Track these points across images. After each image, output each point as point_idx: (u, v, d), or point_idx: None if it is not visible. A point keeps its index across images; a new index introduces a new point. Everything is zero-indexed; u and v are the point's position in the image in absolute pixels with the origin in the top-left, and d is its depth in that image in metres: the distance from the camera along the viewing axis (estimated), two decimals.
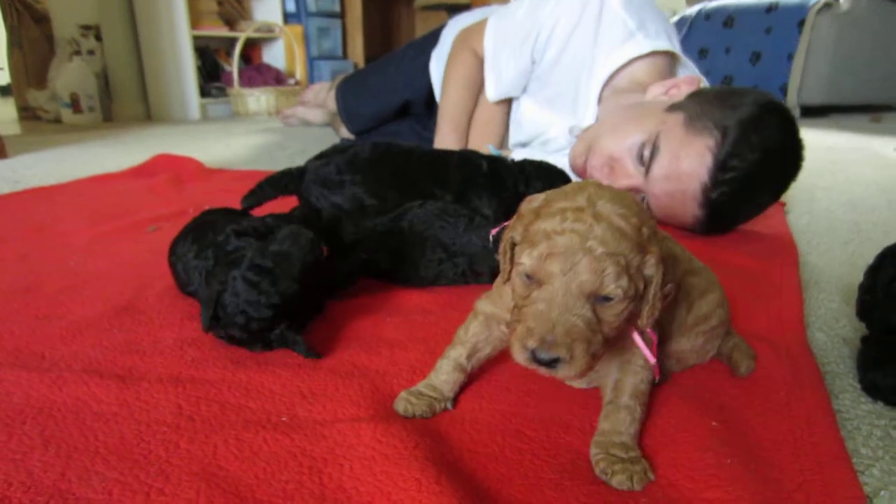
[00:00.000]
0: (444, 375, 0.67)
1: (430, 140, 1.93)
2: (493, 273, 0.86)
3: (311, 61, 5.01)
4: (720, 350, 0.76)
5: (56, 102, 3.90)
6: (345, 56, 5.33)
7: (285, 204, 1.21)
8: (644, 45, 1.52)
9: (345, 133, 2.60)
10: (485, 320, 0.67)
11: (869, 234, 1.38)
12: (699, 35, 4.25)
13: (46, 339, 0.83)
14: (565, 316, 0.50)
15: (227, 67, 4.53)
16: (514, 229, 0.56)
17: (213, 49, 4.64)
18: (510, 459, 0.59)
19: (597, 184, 0.55)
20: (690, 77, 1.37)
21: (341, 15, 5.27)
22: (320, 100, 3.15)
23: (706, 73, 4.16)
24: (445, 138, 1.86)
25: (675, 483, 0.55)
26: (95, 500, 0.52)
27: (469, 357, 0.68)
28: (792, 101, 3.82)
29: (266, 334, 0.77)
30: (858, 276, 1.07)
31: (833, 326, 0.91)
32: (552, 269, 0.50)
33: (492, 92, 1.78)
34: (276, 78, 4.60)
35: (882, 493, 0.56)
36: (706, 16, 4.23)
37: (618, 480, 0.54)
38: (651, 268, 0.52)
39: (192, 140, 3.02)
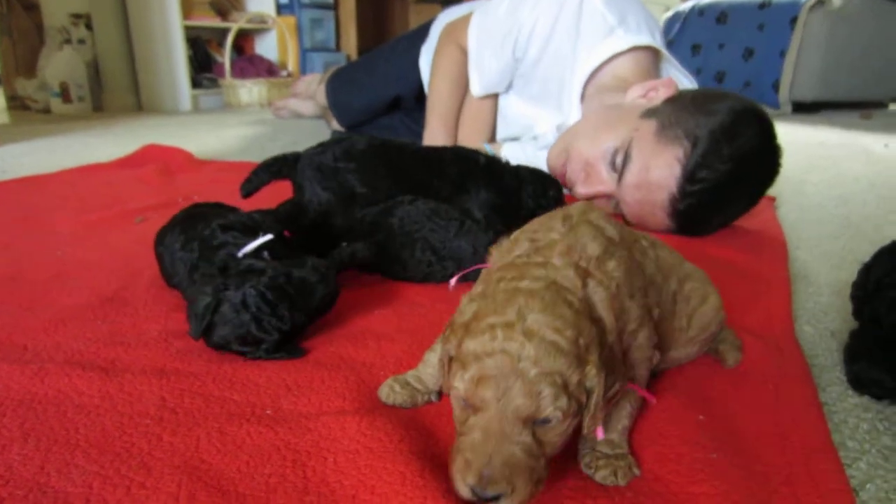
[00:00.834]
0: (430, 368, 0.67)
1: (421, 134, 1.92)
2: None
3: (303, 53, 4.98)
4: None
5: (45, 92, 3.86)
6: (338, 48, 5.30)
7: (281, 192, 1.20)
8: (625, 40, 1.51)
9: (336, 126, 2.59)
10: None
11: (858, 229, 1.38)
12: (692, 31, 4.26)
13: (29, 331, 0.82)
14: (503, 446, 0.46)
15: (218, 58, 4.49)
16: (448, 342, 0.52)
17: (205, 40, 4.60)
18: None
19: (528, 291, 0.50)
20: (669, 80, 1.35)
21: (335, 6, 5.23)
22: (311, 91, 3.13)
23: (699, 70, 4.18)
24: (434, 133, 1.85)
25: (661, 477, 0.55)
26: (75, 493, 0.52)
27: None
28: (784, 98, 3.83)
29: (258, 347, 0.76)
30: (848, 271, 1.09)
31: (821, 320, 0.91)
32: (485, 394, 0.47)
33: (476, 88, 1.78)
34: (268, 69, 4.56)
35: (868, 486, 0.56)
36: (699, 12, 4.23)
37: (601, 475, 0.54)
38: (592, 379, 0.48)
39: (184, 131, 2.99)
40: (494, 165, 1.23)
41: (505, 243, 0.62)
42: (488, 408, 0.47)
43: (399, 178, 1.15)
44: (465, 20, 1.77)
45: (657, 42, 1.57)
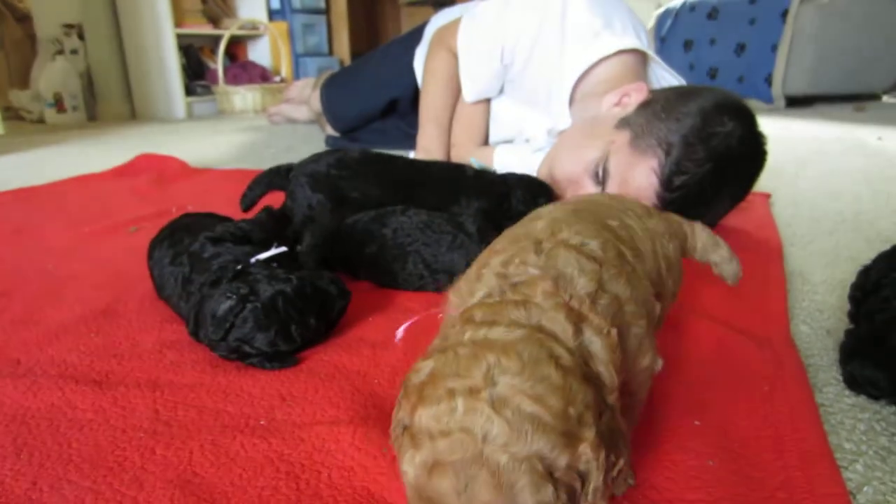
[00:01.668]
0: None
1: (415, 138, 1.91)
2: None
3: (296, 58, 4.98)
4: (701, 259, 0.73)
5: (39, 102, 3.86)
6: (330, 52, 5.30)
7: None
8: (610, 44, 1.50)
9: (330, 131, 2.58)
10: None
11: (853, 224, 1.38)
12: (684, 27, 4.26)
13: (22, 345, 0.82)
14: None
15: (211, 65, 4.50)
16: (401, 408, 0.42)
17: (198, 47, 4.60)
18: None
19: (503, 346, 0.40)
20: (639, 84, 1.33)
21: (326, 11, 5.24)
22: (305, 97, 3.13)
23: (691, 66, 4.17)
24: (428, 136, 1.84)
25: (656, 485, 0.54)
26: None
27: None
28: (777, 92, 3.84)
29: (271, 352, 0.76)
30: (842, 268, 1.08)
31: (817, 319, 0.91)
32: (441, 488, 0.36)
33: (467, 94, 1.78)
34: (261, 75, 4.57)
35: (865, 488, 0.55)
36: (691, 7, 4.24)
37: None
38: (587, 462, 0.37)
39: (178, 139, 2.99)
40: (483, 175, 1.24)
41: (462, 283, 0.51)
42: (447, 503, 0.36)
43: (390, 187, 1.16)
44: (454, 24, 1.77)
45: (643, 44, 1.57)
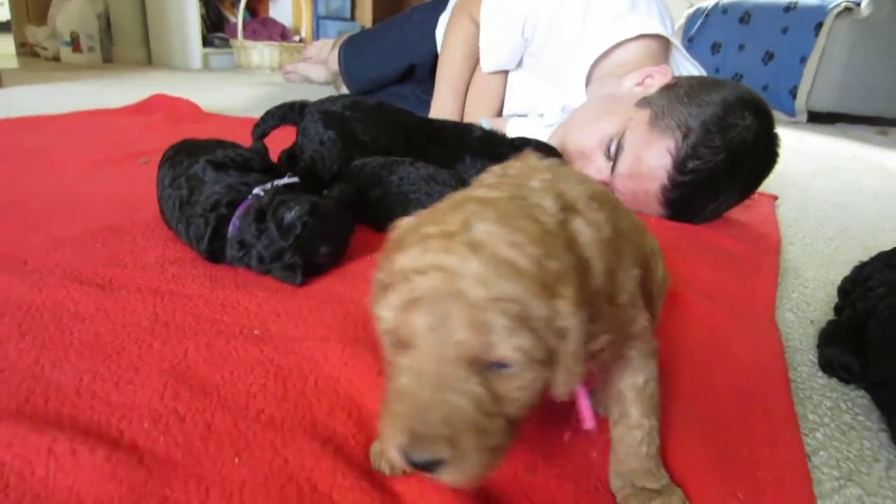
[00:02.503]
0: None
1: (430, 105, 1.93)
2: None
3: (317, 20, 4.95)
4: None
5: (56, 40, 3.85)
6: (352, 17, 5.27)
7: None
8: (633, 27, 1.51)
9: (346, 92, 2.59)
10: None
11: (854, 234, 1.40)
12: (714, 29, 4.19)
13: (30, 248, 0.84)
14: (442, 395, 0.35)
15: (231, 19, 4.48)
16: (380, 266, 0.41)
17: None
18: None
19: (483, 200, 0.39)
20: (664, 67, 1.35)
21: None
22: (323, 57, 3.12)
23: (717, 70, 4.12)
24: (443, 102, 1.86)
25: None
26: (66, 384, 0.54)
27: None
28: (800, 105, 3.77)
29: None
30: (836, 270, 1.10)
31: (804, 309, 0.93)
32: (415, 325, 0.36)
33: (486, 65, 1.79)
34: (281, 33, 4.55)
35: (821, 452, 0.59)
36: (723, 10, 4.16)
37: None
38: (567, 317, 0.36)
39: (193, 87, 2.99)
40: (491, 136, 1.25)
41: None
42: (421, 342, 0.36)
43: (399, 138, 1.18)
44: None
45: (667, 31, 1.58)
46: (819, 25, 3.65)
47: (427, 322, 0.35)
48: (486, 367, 0.35)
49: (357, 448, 0.50)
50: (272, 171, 0.93)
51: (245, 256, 0.79)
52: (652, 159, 1.19)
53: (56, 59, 3.86)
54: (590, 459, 0.52)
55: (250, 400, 0.54)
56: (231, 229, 0.80)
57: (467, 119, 1.84)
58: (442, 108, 1.85)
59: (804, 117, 3.80)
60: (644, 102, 1.26)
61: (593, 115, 1.36)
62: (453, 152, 1.21)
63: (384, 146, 1.12)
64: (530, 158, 0.48)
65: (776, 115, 3.82)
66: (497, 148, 1.22)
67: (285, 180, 0.87)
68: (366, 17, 5.28)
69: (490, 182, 0.44)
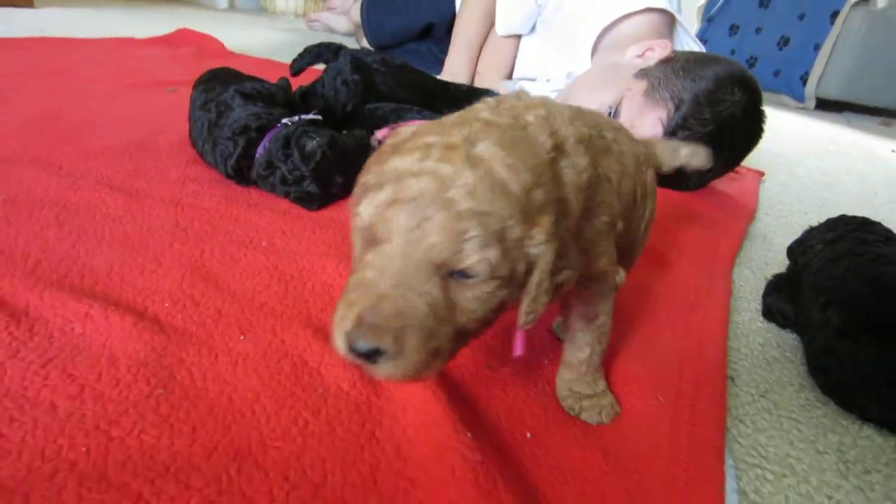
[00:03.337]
0: None
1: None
2: None
3: None
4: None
5: None
6: None
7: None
8: (640, 0, 1.57)
9: (366, 45, 2.64)
10: None
11: (830, 210, 1.45)
12: (733, 11, 4.20)
13: (64, 156, 0.93)
14: (400, 290, 0.36)
15: None
16: (368, 171, 0.41)
17: None
18: None
19: (488, 121, 0.41)
20: (664, 41, 1.41)
21: None
22: (346, 7, 3.15)
23: (733, 52, 4.13)
24: (457, 60, 1.92)
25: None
26: (99, 268, 0.63)
27: None
28: (810, 92, 3.82)
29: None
30: None
31: (762, 268, 1.01)
32: (394, 222, 0.36)
33: (500, 27, 1.85)
34: None
35: (744, 376, 0.68)
36: None
37: (587, 416, 0.54)
38: (538, 246, 0.38)
39: (218, 25, 3.04)
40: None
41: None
42: (395, 239, 0.36)
43: (416, 94, 1.25)
44: None
45: (673, 7, 1.63)
46: (835, 14, 3.68)
47: (406, 221, 0.36)
48: (448, 273, 0.37)
49: None
50: (292, 106, 1.01)
51: (270, 176, 0.87)
52: (644, 128, 1.26)
53: None
54: (541, 365, 0.61)
55: (256, 295, 0.63)
56: (260, 150, 0.89)
57: (479, 78, 1.90)
58: (455, 66, 1.91)
59: (812, 104, 3.84)
60: (642, 74, 1.32)
61: (594, 82, 1.42)
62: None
63: (400, 99, 1.20)
64: (524, 94, 0.49)
65: (786, 100, 3.86)
66: None
67: (311, 116, 0.95)
68: None
69: (491, 107, 0.45)
